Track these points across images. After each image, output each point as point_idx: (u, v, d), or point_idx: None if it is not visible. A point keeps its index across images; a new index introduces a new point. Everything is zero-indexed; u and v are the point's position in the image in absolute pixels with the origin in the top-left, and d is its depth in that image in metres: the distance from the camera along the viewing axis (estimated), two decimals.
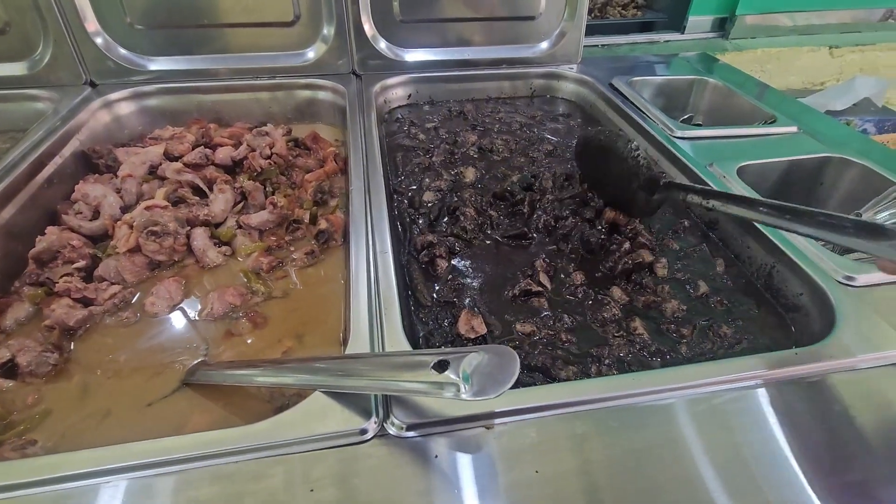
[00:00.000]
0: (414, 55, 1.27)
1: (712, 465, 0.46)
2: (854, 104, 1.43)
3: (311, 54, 1.21)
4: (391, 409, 0.48)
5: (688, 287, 0.73)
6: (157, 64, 1.17)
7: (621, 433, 0.48)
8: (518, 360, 0.41)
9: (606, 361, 0.61)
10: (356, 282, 0.63)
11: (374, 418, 0.47)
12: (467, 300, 0.70)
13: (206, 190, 0.93)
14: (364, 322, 0.58)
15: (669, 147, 0.96)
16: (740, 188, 0.84)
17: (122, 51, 1.14)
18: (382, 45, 1.24)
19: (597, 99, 1.24)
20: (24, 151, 0.89)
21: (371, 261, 0.67)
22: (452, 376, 0.40)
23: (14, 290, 0.75)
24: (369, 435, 0.47)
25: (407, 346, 0.55)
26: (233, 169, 1.02)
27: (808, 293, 0.67)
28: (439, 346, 0.63)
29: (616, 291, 0.72)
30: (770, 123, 1.07)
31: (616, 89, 1.22)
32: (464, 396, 0.39)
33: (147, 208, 0.82)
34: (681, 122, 1.06)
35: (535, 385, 0.57)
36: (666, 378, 0.53)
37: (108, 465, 0.43)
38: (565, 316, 0.68)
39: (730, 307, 0.71)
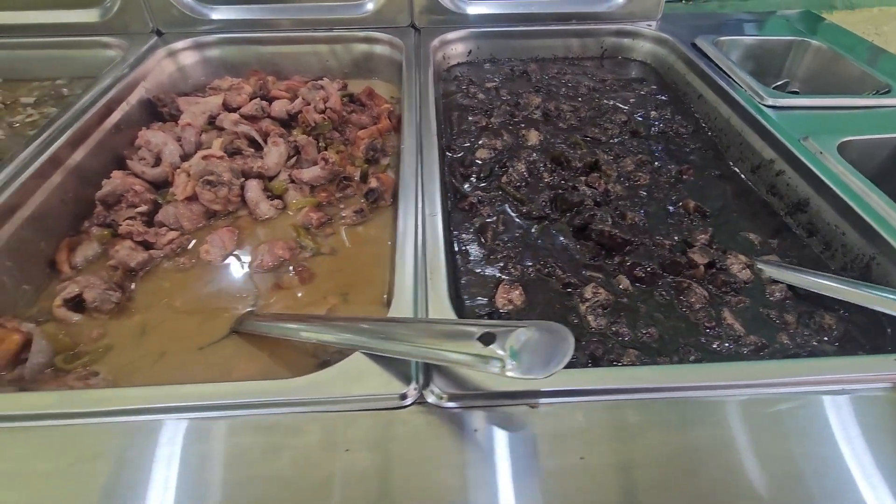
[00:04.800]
0: (476, 8, 1.19)
1: (771, 478, 0.41)
2: None
3: (370, 5, 1.16)
4: (432, 377, 0.46)
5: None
6: (220, 13, 1.16)
7: (677, 429, 0.44)
8: (572, 339, 0.38)
9: (692, 359, 0.56)
10: (403, 244, 0.61)
11: (413, 385, 0.46)
12: (511, 269, 0.66)
13: (262, 142, 0.93)
14: (409, 286, 0.56)
15: (758, 116, 0.85)
16: (840, 167, 0.73)
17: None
18: None
19: (676, 60, 1.12)
20: (94, 97, 0.91)
21: (419, 223, 0.64)
22: (498, 351, 0.38)
23: (84, 229, 0.79)
24: (408, 401, 0.45)
25: (451, 315, 0.52)
26: (288, 123, 1.02)
27: None
28: (483, 317, 0.60)
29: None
30: (884, 94, 0.92)
31: (699, 50, 1.09)
32: (509, 374, 0.37)
33: (204, 158, 0.83)
34: (773, 88, 0.93)
35: (589, 367, 0.54)
36: (734, 373, 0.48)
37: (160, 403, 0.44)
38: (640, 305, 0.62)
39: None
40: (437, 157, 0.76)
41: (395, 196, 0.86)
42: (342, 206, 0.85)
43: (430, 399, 0.45)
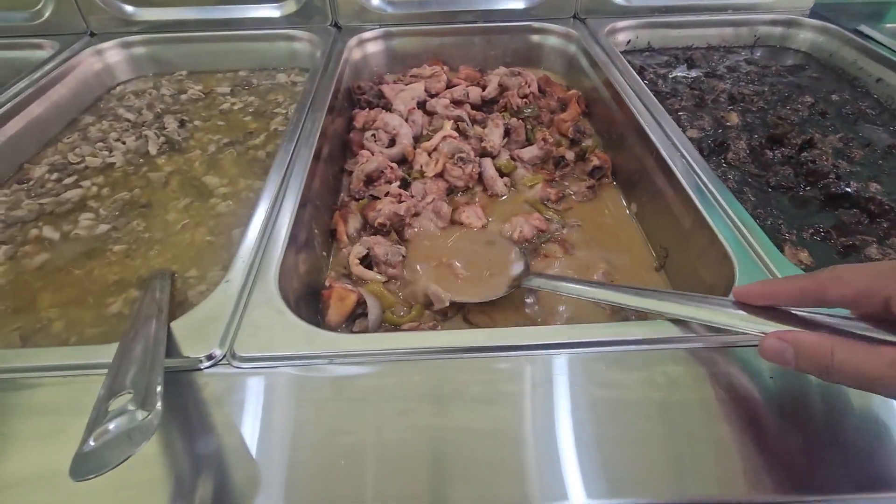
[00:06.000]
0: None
1: None
2: None
3: None
4: None
5: None
6: (397, 8, 1.23)
7: None
8: None
9: None
10: (709, 212, 0.65)
11: None
12: (785, 234, 0.71)
13: (469, 125, 0.99)
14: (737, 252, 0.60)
15: None
16: None
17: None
18: None
19: (841, 46, 1.16)
20: (316, 88, 0.97)
21: (708, 192, 0.69)
22: None
23: (342, 204, 0.85)
24: None
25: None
26: (480, 108, 1.07)
27: None
28: None
29: None
30: None
31: (865, 36, 1.13)
32: None
33: (445, 138, 0.89)
34: None
35: None
36: None
37: (554, 340, 0.50)
38: None
39: None
40: (682, 133, 0.81)
41: (613, 175, 0.92)
42: (566, 182, 0.91)
43: None
